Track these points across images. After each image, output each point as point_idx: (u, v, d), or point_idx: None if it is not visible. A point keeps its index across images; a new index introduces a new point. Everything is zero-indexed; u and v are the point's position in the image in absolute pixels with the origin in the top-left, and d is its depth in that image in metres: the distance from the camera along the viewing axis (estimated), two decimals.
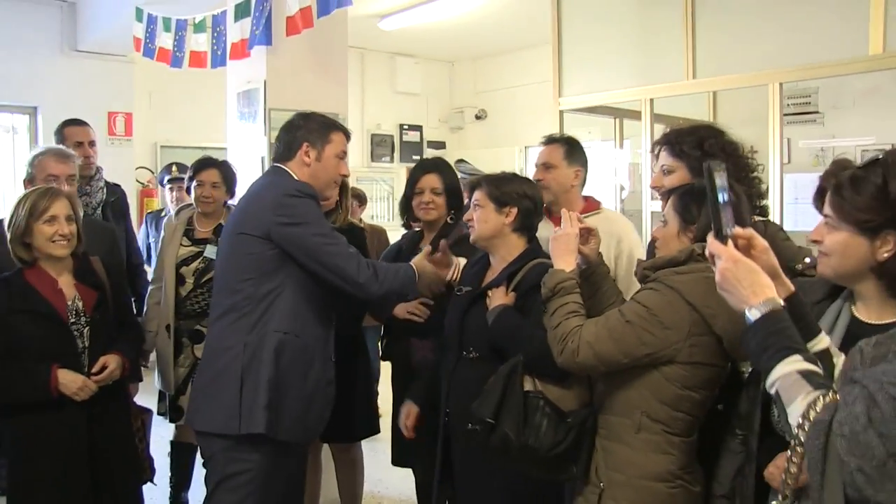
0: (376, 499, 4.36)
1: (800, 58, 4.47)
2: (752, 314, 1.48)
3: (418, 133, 9.88)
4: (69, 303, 2.77)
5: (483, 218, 2.61)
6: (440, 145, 9.98)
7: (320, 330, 2.78)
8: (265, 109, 3.99)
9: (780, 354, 1.41)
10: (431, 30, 8.18)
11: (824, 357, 1.63)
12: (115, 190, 4.13)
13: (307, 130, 2.77)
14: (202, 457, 2.84)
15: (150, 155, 7.76)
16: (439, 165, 3.37)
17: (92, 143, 4.03)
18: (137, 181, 7.47)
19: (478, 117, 9.88)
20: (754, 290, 1.50)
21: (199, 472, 4.02)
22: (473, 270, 2.78)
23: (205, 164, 3.84)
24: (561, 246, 2.37)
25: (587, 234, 2.45)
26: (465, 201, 2.80)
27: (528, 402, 2.36)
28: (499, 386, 2.45)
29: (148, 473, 3.18)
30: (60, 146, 3.52)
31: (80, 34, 6.91)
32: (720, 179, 1.62)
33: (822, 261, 1.74)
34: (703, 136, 2.51)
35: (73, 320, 2.77)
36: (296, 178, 2.73)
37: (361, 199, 6.07)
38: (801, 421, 1.33)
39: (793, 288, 1.70)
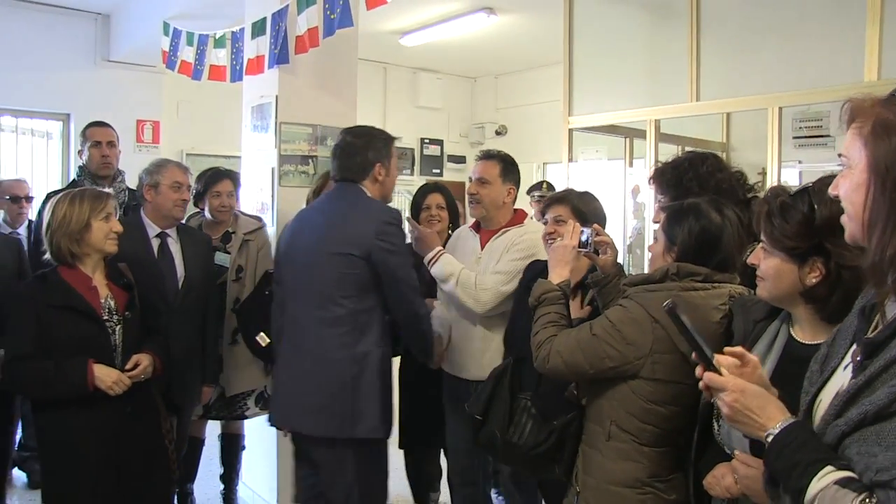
0: None
1: (798, 83, 4.57)
2: (769, 437, 1.40)
3: (439, 147, 10.04)
4: (102, 300, 2.84)
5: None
6: (460, 160, 10.13)
7: (389, 340, 3.06)
8: (276, 122, 4.14)
9: (811, 470, 1.30)
10: (453, 46, 8.33)
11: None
12: (135, 195, 4.06)
13: (375, 150, 3.01)
14: (310, 459, 3.10)
15: None
16: (440, 187, 3.89)
17: (111, 144, 4.15)
18: None
19: (498, 133, 10.00)
20: (768, 415, 1.42)
21: (203, 465, 4.25)
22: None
23: (220, 174, 4.00)
24: (556, 257, 2.49)
25: (605, 247, 2.55)
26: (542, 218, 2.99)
27: (515, 403, 2.50)
28: (489, 386, 2.63)
29: (177, 475, 3.27)
30: (178, 160, 3.83)
31: (113, 45, 7.13)
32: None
33: (760, 284, 1.82)
34: (683, 171, 2.55)
35: (105, 318, 2.83)
36: (369, 194, 2.99)
37: None
38: None
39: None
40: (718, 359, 1.52)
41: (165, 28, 5.26)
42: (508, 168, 3.29)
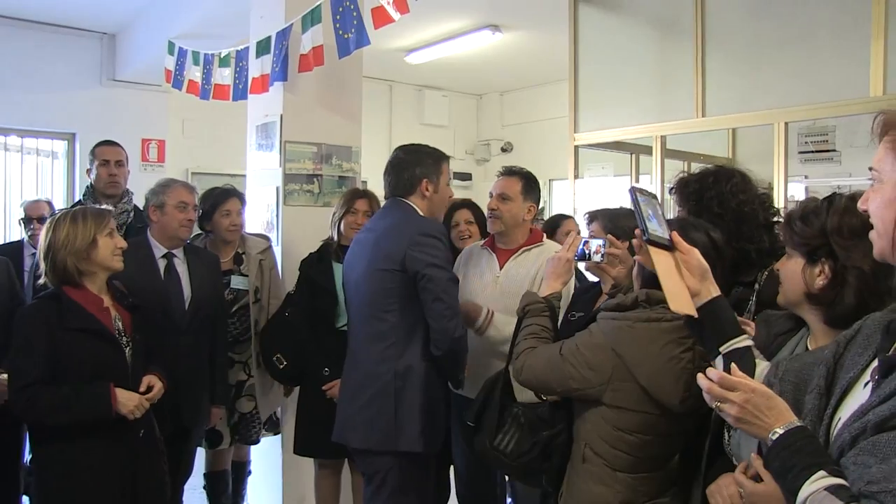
0: None
1: (804, 98, 4.61)
2: (773, 436, 1.42)
3: None
4: (113, 321, 2.80)
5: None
6: (466, 177, 10.15)
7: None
8: (281, 141, 4.17)
9: (805, 473, 1.34)
10: (458, 63, 8.37)
11: (745, 355, 1.76)
12: (142, 216, 4.01)
13: (424, 167, 3.07)
14: (364, 471, 3.16)
15: None
16: (468, 203, 4.02)
17: (119, 164, 4.17)
18: None
19: (504, 150, 10.03)
20: (777, 415, 1.44)
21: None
22: (586, 297, 2.89)
23: (228, 193, 3.93)
24: (550, 268, 2.52)
25: (614, 259, 2.55)
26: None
27: (506, 411, 2.49)
28: (482, 394, 2.63)
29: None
30: (184, 180, 3.81)
31: (119, 65, 7.20)
32: (643, 197, 1.91)
33: (779, 290, 1.89)
34: (706, 187, 2.52)
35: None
36: (419, 211, 3.04)
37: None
38: None
39: (718, 291, 1.83)
40: (675, 241, 1.85)
41: (170, 47, 5.31)
42: (530, 186, 3.29)
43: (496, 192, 3.28)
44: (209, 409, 3.66)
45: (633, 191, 1.92)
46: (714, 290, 1.83)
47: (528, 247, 3.28)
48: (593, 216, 2.85)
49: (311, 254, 3.80)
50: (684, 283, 1.84)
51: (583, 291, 3.02)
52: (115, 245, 2.82)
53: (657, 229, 1.88)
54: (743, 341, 1.79)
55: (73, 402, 2.62)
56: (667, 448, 2.14)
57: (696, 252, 1.86)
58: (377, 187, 3.49)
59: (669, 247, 1.88)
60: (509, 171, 3.34)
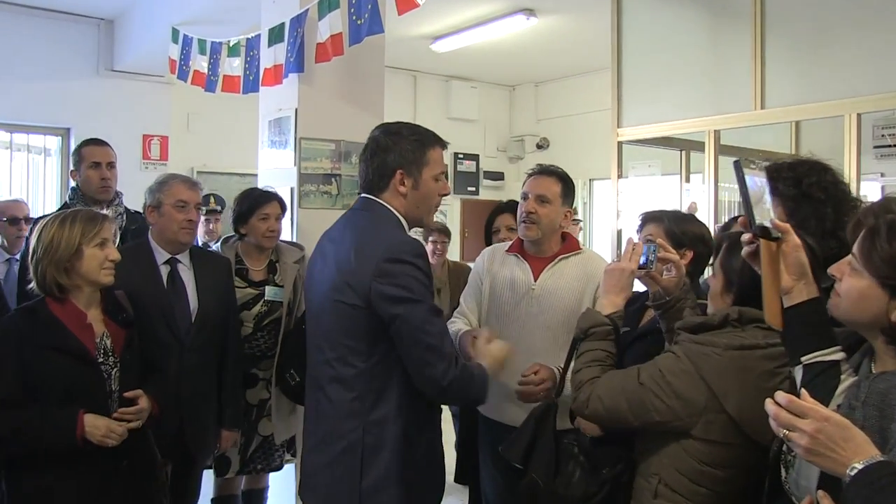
0: None
1: (878, 86, 4.56)
2: (852, 472, 1.40)
3: (474, 163, 10.09)
4: (97, 340, 2.70)
5: None
6: (498, 176, 10.18)
7: (434, 406, 2.66)
8: (296, 138, 4.19)
9: None
10: (489, 52, 8.39)
11: (830, 370, 1.71)
12: (136, 217, 4.12)
13: (399, 153, 2.57)
14: None
15: None
16: (512, 206, 3.90)
17: (111, 165, 4.10)
18: None
19: (539, 146, 10.04)
20: (854, 449, 1.41)
21: None
22: (632, 308, 2.77)
23: (269, 196, 3.90)
24: (611, 281, 2.37)
25: (668, 265, 2.45)
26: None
27: (561, 448, 2.41)
28: (530, 428, 2.50)
29: None
30: (186, 175, 3.66)
31: (117, 54, 7.28)
32: (751, 175, 1.78)
33: (834, 300, 1.73)
34: (803, 174, 2.44)
35: (101, 360, 2.70)
36: (395, 213, 2.58)
37: (446, 233, 5.74)
38: None
39: (818, 292, 1.76)
40: (776, 223, 1.76)
41: (174, 35, 5.36)
42: (568, 188, 3.23)
43: (533, 192, 3.17)
44: (218, 432, 3.60)
45: (739, 166, 1.78)
46: (810, 292, 1.76)
47: (566, 255, 3.21)
48: (653, 217, 2.79)
49: None
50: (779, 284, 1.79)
51: (629, 303, 2.99)
52: (106, 257, 2.71)
53: (765, 217, 1.78)
54: (832, 354, 1.73)
55: (36, 428, 2.56)
56: (746, 481, 2.07)
57: (801, 246, 1.78)
58: None
59: (775, 238, 1.78)
60: (546, 171, 3.25)
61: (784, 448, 1.55)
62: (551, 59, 8.83)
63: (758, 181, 1.81)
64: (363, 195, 2.65)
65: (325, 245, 2.70)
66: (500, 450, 2.57)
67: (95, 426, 2.59)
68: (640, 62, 5.85)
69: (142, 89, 7.41)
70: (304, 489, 2.69)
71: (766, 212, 1.79)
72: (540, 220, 3.15)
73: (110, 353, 2.73)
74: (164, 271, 3.43)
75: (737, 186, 1.82)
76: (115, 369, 2.73)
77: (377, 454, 2.49)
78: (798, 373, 1.77)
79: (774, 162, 2.59)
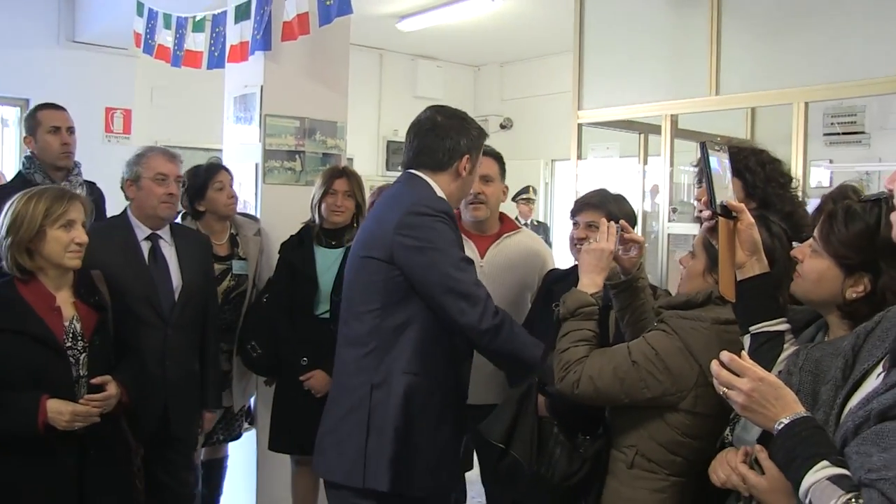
0: None
1: (827, 76, 4.66)
2: (779, 426, 1.54)
3: None
4: (66, 323, 2.66)
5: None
6: None
7: (453, 369, 2.72)
8: (261, 115, 4.27)
9: (808, 463, 1.46)
10: (455, 32, 8.45)
11: (775, 339, 1.88)
12: (92, 189, 4.06)
13: (470, 139, 2.70)
14: None
15: None
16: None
17: (71, 130, 3.96)
18: None
19: (503, 126, 10.14)
20: (783, 405, 1.55)
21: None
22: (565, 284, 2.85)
23: (218, 166, 4.00)
24: (592, 261, 2.38)
25: (631, 244, 2.50)
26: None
27: (541, 428, 2.45)
28: (511, 409, 2.52)
29: None
30: (164, 147, 3.59)
31: (79, 24, 7.19)
32: (715, 156, 1.91)
33: (796, 280, 1.92)
34: (746, 155, 2.60)
35: (69, 344, 2.65)
36: (438, 191, 2.67)
37: None
38: None
39: (766, 269, 1.93)
40: (729, 203, 1.87)
41: (139, 8, 5.34)
42: (503, 167, 3.42)
43: (479, 173, 3.14)
44: (201, 413, 3.56)
45: (705, 147, 1.92)
46: (762, 267, 1.92)
47: (509, 233, 3.41)
48: (589, 204, 2.94)
49: (291, 236, 3.91)
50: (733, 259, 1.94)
51: (556, 280, 3.12)
52: (71, 239, 2.64)
53: (725, 196, 1.92)
54: (777, 325, 1.88)
55: None
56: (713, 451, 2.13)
57: (755, 225, 1.92)
58: (364, 165, 3.56)
59: (733, 217, 1.93)
60: (484, 152, 3.15)
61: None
62: (516, 40, 8.91)
63: (721, 162, 1.96)
64: (408, 172, 2.73)
65: (367, 219, 2.85)
66: (478, 428, 2.57)
67: (59, 412, 2.52)
68: (602, 46, 5.90)
69: (105, 61, 7.33)
70: (315, 455, 2.76)
71: (725, 191, 1.93)
72: (487, 200, 3.33)
73: (79, 338, 2.68)
74: (146, 248, 3.35)
75: (694, 169, 1.98)
76: (84, 354, 2.68)
77: (380, 412, 2.56)
78: (746, 340, 1.93)
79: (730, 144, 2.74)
